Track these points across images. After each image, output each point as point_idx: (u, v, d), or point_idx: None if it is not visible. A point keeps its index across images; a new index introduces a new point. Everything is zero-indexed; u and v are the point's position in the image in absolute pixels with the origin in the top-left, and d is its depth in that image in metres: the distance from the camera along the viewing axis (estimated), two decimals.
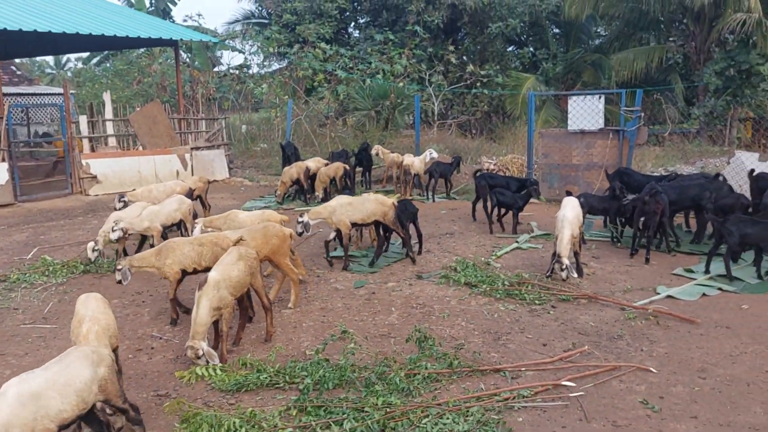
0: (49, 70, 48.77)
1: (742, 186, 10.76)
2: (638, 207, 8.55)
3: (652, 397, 4.79)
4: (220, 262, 5.67)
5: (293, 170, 13.02)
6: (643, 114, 12.53)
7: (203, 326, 5.20)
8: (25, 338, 6.25)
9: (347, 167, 13.22)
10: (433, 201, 13.21)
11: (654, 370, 5.20)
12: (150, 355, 5.82)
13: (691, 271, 7.89)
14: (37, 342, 6.17)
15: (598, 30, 28.78)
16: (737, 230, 7.36)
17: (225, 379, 5.11)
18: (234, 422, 4.30)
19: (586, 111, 12.47)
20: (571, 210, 7.67)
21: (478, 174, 11.30)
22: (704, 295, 7.07)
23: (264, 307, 6.05)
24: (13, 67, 28.90)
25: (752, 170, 9.76)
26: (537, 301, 6.93)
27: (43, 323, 6.66)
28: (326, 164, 13.49)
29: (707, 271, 7.73)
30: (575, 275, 7.44)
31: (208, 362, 5.21)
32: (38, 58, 48.00)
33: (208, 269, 6.32)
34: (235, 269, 5.56)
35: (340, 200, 8.42)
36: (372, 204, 8.35)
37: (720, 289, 7.23)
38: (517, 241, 9.57)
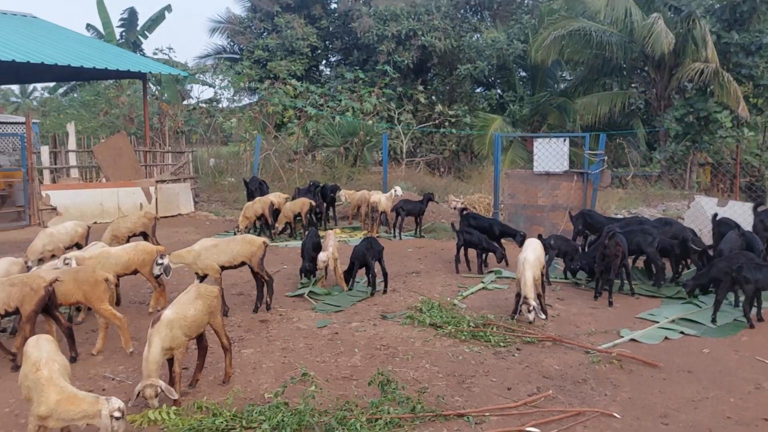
0: (14, 99, 47.98)
1: (701, 230, 10.99)
2: (599, 250, 8.64)
3: None
4: (176, 301, 5.49)
5: (257, 205, 12.89)
6: (606, 157, 12.79)
7: (156, 365, 5.00)
8: None
9: (313, 203, 13.13)
10: (399, 239, 13.16)
11: (618, 416, 5.16)
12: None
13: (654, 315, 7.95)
14: None
15: (564, 74, 29.59)
16: (752, 277, 7.41)
17: (178, 424, 4.89)
18: None
19: (551, 153, 12.69)
20: (532, 252, 7.67)
21: (464, 213, 11.20)
22: (667, 338, 7.11)
23: (223, 348, 5.86)
24: None
25: (715, 215, 9.97)
26: (502, 344, 6.87)
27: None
28: (286, 198, 13.41)
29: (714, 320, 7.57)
30: (543, 317, 7.43)
31: (162, 405, 4.98)
32: (3, 87, 47.26)
33: (16, 312, 6.05)
34: (191, 308, 5.39)
35: (203, 243, 7.91)
36: (238, 245, 7.91)
37: (682, 332, 7.28)
38: (482, 282, 9.55)
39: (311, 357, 6.50)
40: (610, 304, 8.41)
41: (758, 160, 21.75)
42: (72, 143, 16.48)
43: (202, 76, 27.43)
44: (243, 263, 7.97)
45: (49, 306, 6.15)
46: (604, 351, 6.59)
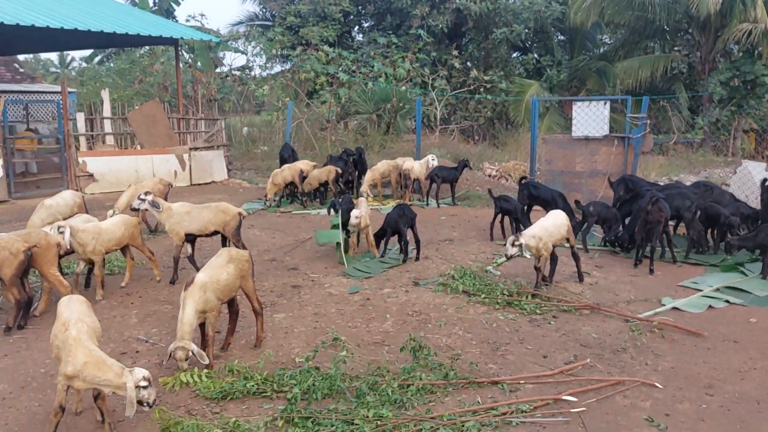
0: (53, 69, 48.69)
1: (748, 196, 10.55)
2: (641, 216, 8.33)
3: (658, 414, 4.56)
4: (209, 265, 5.45)
5: (286, 173, 12.78)
6: (648, 121, 12.30)
7: (190, 326, 4.98)
8: (5, 339, 6.03)
9: (339, 170, 13.00)
10: (437, 206, 12.96)
11: (659, 386, 4.97)
12: (135, 359, 5.58)
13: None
14: (19, 343, 5.94)
15: (604, 38, 28.63)
16: None
17: (210, 386, 4.88)
18: None
19: (590, 117, 12.26)
20: (552, 219, 7.43)
21: (522, 182, 10.66)
22: (711, 307, 6.84)
23: (255, 312, 5.82)
24: (16, 65, 28.75)
25: (765, 180, 9.50)
26: (538, 311, 6.70)
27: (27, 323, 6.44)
28: (314, 166, 13.29)
29: None
30: (527, 256, 6.93)
31: (194, 368, 4.97)
32: (43, 57, 48.00)
33: None
34: (224, 272, 5.36)
35: (180, 207, 7.75)
36: (211, 213, 7.71)
37: (727, 301, 6.99)
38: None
39: (343, 322, 6.44)
40: (651, 271, 8.13)
41: None
42: (106, 110, 16.59)
43: (234, 43, 27.30)
44: (216, 232, 7.82)
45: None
46: (644, 319, 6.36)
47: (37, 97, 21.72)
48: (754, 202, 9.99)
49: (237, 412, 4.58)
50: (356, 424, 4.25)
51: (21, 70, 28.85)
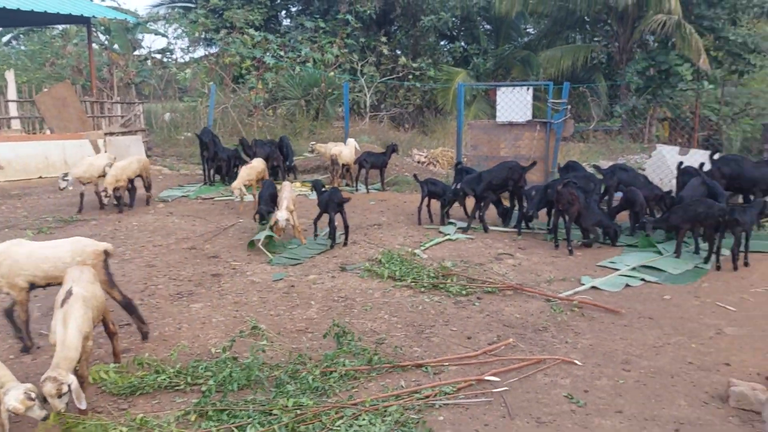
0: None
1: (662, 179, 10.95)
2: (554, 198, 8.50)
3: (577, 390, 4.60)
4: (76, 280, 4.42)
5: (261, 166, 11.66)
6: (569, 107, 12.58)
7: (76, 350, 3.92)
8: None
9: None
10: (367, 191, 12.84)
11: (579, 363, 5.04)
12: (35, 355, 5.19)
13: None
14: None
15: (527, 28, 29.20)
16: (742, 219, 7.36)
17: (118, 382, 4.57)
18: (121, 431, 3.80)
19: (514, 102, 12.42)
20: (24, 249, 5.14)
21: (458, 167, 10.54)
22: (628, 285, 7.03)
23: (110, 333, 4.92)
24: None
25: (680, 163, 9.82)
26: (463, 293, 6.69)
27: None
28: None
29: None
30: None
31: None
32: None
33: None
34: (96, 288, 4.58)
35: None
36: None
37: (643, 279, 7.21)
38: (444, 233, 9.33)
39: (265, 311, 6.21)
40: (570, 252, 8.30)
41: (716, 114, 21.95)
42: (12, 92, 15.52)
43: (153, 24, 26.15)
44: None
45: None
46: (564, 299, 6.46)
47: None
48: (668, 185, 10.36)
49: (147, 408, 4.31)
50: (274, 414, 4.08)
51: None
